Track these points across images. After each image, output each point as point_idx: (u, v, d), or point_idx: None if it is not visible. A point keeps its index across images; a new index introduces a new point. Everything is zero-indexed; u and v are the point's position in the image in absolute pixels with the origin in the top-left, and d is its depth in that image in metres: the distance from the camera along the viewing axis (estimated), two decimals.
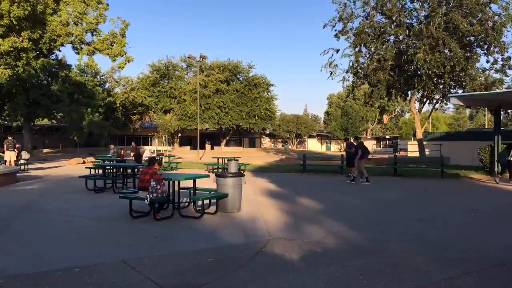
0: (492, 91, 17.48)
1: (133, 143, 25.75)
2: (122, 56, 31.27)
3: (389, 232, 6.24)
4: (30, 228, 6.52)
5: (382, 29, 19.19)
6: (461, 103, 17.20)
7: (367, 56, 20.27)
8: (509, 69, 18.85)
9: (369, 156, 17.85)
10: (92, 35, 30.60)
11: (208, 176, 8.91)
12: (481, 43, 18.54)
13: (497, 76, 19.26)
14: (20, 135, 31.99)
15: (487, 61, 19.12)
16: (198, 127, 35.12)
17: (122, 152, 18.56)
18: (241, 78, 49.92)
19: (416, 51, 17.52)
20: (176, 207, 7.56)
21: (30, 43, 25.80)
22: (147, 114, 47.98)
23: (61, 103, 29.03)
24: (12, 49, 25.03)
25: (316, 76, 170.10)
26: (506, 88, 18.54)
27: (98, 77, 39.44)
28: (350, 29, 20.00)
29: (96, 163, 15.79)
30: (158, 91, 46.63)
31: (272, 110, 50.06)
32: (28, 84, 27.05)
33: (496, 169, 14.57)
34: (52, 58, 30.08)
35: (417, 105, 24.35)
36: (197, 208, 7.76)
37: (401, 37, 18.75)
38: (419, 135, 22.52)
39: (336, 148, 63.76)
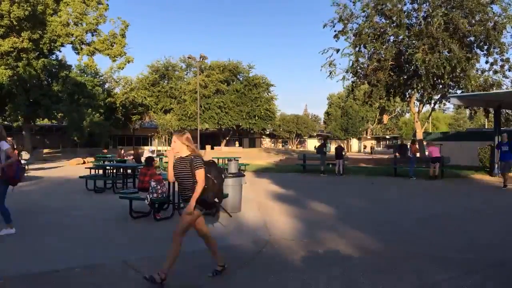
0: (492, 92, 17.49)
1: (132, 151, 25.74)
2: (122, 56, 31.29)
3: (389, 232, 6.24)
4: (30, 228, 6.52)
5: (382, 30, 19.19)
6: (461, 103, 17.22)
7: (367, 56, 20.27)
8: (509, 70, 18.86)
9: (369, 157, 17.86)
10: (92, 36, 30.63)
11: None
12: (481, 44, 18.54)
13: (496, 77, 19.30)
14: (21, 135, 32.00)
15: (486, 62, 19.14)
16: (198, 127, 35.14)
17: (122, 152, 18.57)
18: (241, 78, 49.93)
19: (415, 51, 17.52)
20: (176, 207, 7.56)
21: (31, 43, 25.80)
22: (147, 114, 47.98)
23: (61, 103, 29.05)
24: (12, 49, 25.05)
25: (316, 76, 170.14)
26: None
27: (98, 77, 39.45)
28: (350, 29, 19.99)
29: (96, 163, 15.81)
30: (158, 91, 46.63)
31: (272, 110, 50.07)
32: (29, 85, 27.07)
33: (496, 169, 14.60)
34: (52, 58, 30.10)
35: (417, 105, 24.35)
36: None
37: (400, 37, 18.75)
38: (419, 135, 22.52)
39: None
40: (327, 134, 65.93)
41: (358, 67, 20.62)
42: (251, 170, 18.56)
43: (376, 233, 6.15)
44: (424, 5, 18.63)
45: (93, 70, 35.49)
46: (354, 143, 61.37)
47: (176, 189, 7.54)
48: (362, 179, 14.84)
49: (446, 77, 18.02)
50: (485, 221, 7.32)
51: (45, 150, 36.37)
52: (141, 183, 7.42)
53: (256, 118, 47.89)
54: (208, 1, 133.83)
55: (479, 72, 19.55)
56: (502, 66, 18.91)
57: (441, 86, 20.24)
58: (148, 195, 6.99)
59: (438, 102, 23.56)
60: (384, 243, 5.52)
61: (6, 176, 5.82)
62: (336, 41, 20.42)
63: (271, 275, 4.22)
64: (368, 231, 6.31)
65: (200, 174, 3.89)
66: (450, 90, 20.56)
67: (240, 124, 48.01)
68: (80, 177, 11.74)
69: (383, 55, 19.12)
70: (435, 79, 19.08)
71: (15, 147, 18.02)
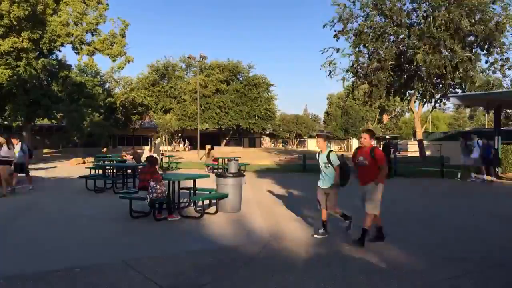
0: (492, 91, 17.50)
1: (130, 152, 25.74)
2: (122, 56, 31.23)
3: (389, 232, 6.23)
4: (30, 228, 6.52)
5: (382, 29, 19.19)
6: (461, 103, 17.22)
7: (367, 56, 20.27)
8: (509, 69, 18.87)
9: None
10: (92, 35, 30.55)
11: (208, 176, 8.91)
12: (481, 43, 18.55)
13: (497, 75, 19.31)
14: (21, 135, 31.98)
15: (487, 62, 19.15)
16: (198, 127, 35.13)
17: (123, 152, 18.59)
18: (241, 78, 49.94)
19: (416, 52, 17.52)
20: (176, 207, 7.56)
21: (30, 43, 25.77)
22: (147, 114, 47.98)
23: (61, 103, 29.03)
24: (12, 49, 25.01)
25: (316, 76, 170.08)
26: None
27: (98, 77, 39.45)
28: (350, 29, 20.00)
29: (95, 163, 15.82)
30: (158, 91, 46.63)
31: (272, 110, 50.07)
32: (29, 84, 27.04)
33: (496, 169, 14.60)
34: (52, 58, 30.06)
35: (417, 105, 24.35)
36: (197, 208, 7.76)
37: (401, 37, 18.75)
38: (419, 135, 22.53)
39: (335, 148, 63.72)
40: (327, 134, 65.94)
41: (358, 67, 20.64)
42: (252, 170, 18.56)
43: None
44: (424, 4, 18.63)
45: (93, 70, 35.48)
46: (354, 143, 61.30)
47: (176, 189, 7.59)
48: None
49: (448, 77, 18.03)
50: (485, 220, 7.32)
51: (45, 150, 36.36)
52: (142, 182, 7.41)
53: (256, 118, 47.89)
54: (208, 1, 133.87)
55: (480, 72, 19.55)
56: (502, 66, 18.92)
57: (441, 85, 20.25)
58: (148, 195, 6.99)
59: (438, 102, 23.57)
60: (384, 243, 5.52)
61: None
62: (336, 40, 20.44)
63: (271, 275, 4.22)
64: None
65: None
66: (450, 90, 20.57)
67: (240, 124, 48.01)
68: (80, 177, 11.74)
69: (383, 55, 19.12)
70: (436, 79, 19.10)
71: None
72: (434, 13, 17.29)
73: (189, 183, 8.17)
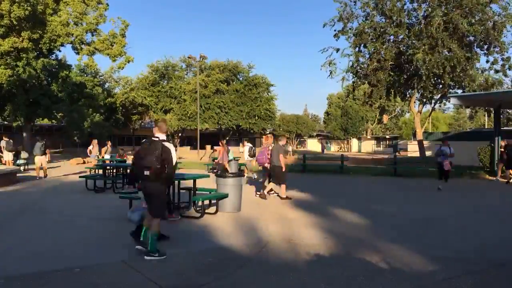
0: (492, 91, 17.50)
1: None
2: (122, 56, 31.23)
3: (389, 232, 6.23)
4: (30, 228, 6.52)
5: (382, 29, 19.19)
6: (461, 103, 17.22)
7: (367, 56, 20.27)
8: (509, 69, 18.86)
9: (370, 157, 17.94)
10: (92, 35, 30.56)
11: (208, 176, 8.90)
12: (481, 43, 18.55)
13: (497, 77, 19.30)
14: (21, 135, 31.98)
15: (487, 61, 19.14)
16: (198, 127, 35.11)
17: (123, 152, 18.58)
18: (241, 78, 49.91)
19: (415, 51, 17.52)
20: (176, 207, 7.55)
21: (30, 43, 25.77)
22: (147, 114, 47.95)
23: (61, 103, 29.02)
24: (12, 49, 25.02)
25: (316, 76, 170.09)
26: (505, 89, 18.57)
27: (98, 77, 39.42)
28: (350, 29, 20.00)
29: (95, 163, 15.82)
30: (158, 91, 46.59)
31: (272, 110, 50.03)
32: (28, 84, 27.03)
33: (496, 169, 14.60)
34: (52, 58, 30.06)
35: (417, 105, 24.35)
36: (197, 209, 7.76)
37: (401, 37, 18.76)
38: (419, 135, 22.53)
39: (336, 148, 63.72)
40: (327, 134, 66.00)
41: (358, 67, 20.64)
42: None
43: (375, 233, 6.15)
44: (424, 4, 18.64)
45: (93, 70, 35.44)
46: (354, 143, 61.34)
47: (176, 189, 7.58)
48: (367, 179, 14.85)
49: (447, 76, 18.03)
50: (485, 220, 7.32)
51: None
52: None
53: (256, 118, 47.86)
54: (208, 1, 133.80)
55: (479, 72, 19.55)
56: (502, 65, 18.91)
57: (441, 86, 20.25)
58: None
59: (438, 102, 23.56)
60: (384, 243, 5.52)
61: None
62: (336, 40, 20.46)
63: (271, 275, 4.22)
64: (368, 231, 6.31)
65: None
66: (450, 90, 20.57)
67: (240, 124, 48.00)
68: (80, 177, 11.74)
69: (383, 55, 19.13)
70: (435, 78, 19.10)
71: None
72: (434, 13, 17.29)
73: (189, 183, 8.17)
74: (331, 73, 20.89)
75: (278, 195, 10.02)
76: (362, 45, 19.97)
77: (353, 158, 27.99)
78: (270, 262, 4.67)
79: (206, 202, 7.91)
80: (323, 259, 4.83)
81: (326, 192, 11.29)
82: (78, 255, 4.96)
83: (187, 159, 27.01)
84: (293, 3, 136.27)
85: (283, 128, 60.64)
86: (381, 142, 58.75)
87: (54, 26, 26.83)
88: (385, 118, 62.23)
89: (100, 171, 13.44)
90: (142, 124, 49.22)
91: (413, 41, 18.36)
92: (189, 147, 49.01)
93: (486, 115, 32.37)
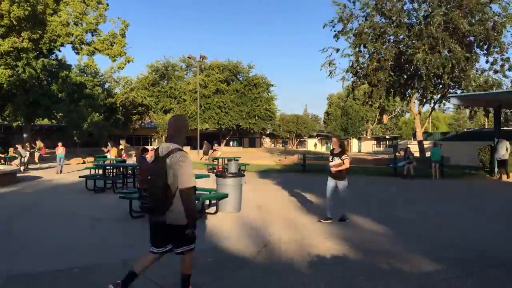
0: (492, 91, 17.49)
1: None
2: (122, 56, 31.22)
3: (389, 232, 6.23)
4: (30, 228, 6.52)
5: (382, 30, 19.19)
6: (461, 103, 17.21)
7: (367, 56, 20.27)
8: (509, 70, 18.86)
9: (369, 157, 18.19)
10: (92, 35, 30.55)
11: (208, 176, 8.90)
12: (481, 43, 18.54)
13: (496, 77, 19.30)
14: (21, 135, 31.97)
15: (487, 61, 19.13)
16: (198, 127, 35.11)
17: (123, 152, 18.60)
18: (241, 78, 49.95)
19: (415, 51, 17.52)
20: None
21: (30, 43, 25.77)
22: (147, 114, 47.98)
23: (61, 103, 29.02)
24: (12, 49, 25.01)
25: (316, 76, 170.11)
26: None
27: (98, 77, 39.41)
28: (350, 29, 20.00)
29: (95, 163, 15.83)
30: (158, 91, 46.62)
31: (272, 110, 50.08)
32: (28, 84, 27.03)
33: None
34: (52, 58, 30.05)
35: (416, 105, 24.35)
36: (197, 209, 7.76)
37: (401, 37, 18.75)
38: (419, 135, 22.53)
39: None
40: (327, 134, 65.98)
41: (358, 67, 20.64)
42: (252, 171, 18.55)
43: (375, 233, 6.15)
44: (424, 4, 18.63)
45: (93, 70, 35.44)
46: (354, 143, 61.33)
47: None
48: (367, 178, 14.85)
49: (446, 77, 18.03)
50: (485, 220, 7.32)
51: (45, 150, 36.29)
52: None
53: (256, 118, 47.89)
54: (208, 1, 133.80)
55: (479, 72, 19.54)
56: (502, 66, 18.91)
57: (441, 86, 20.25)
58: None
59: (438, 102, 23.55)
60: (384, 243, 5.52)
61: None
62: (336, 41, 20.44)
63: (271, 275, 4.22)
64: (367, 231, 6.31)
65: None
66: (450, 90, 20.56)
67: (240, 124, 48.02)
68: (80, 176, 11.74)
69: (383, 55, 19.12)
70: (435, 79, 19.10)
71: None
72: (434, 13, 17.28)
73: None
74: (330, 73, 20.89)
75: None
76: (362, 45, 19.95)
77: (354, 158, 28.00)
78: (270, 262, 4.67)
79: (206, 202, 7.91)
80: (323, 259, 4.83)
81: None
82: (78, 255, 4.96)
83: None
84: (293, 3, 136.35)
85: (283, 128, 60.63)
86: (381, 142, 58.75)
87: (54, 26, 26.82)
88: (385, 118, 62.21)
89: (100, 171, 13.44)
90: (142, 124, 49.22)
91: (413, 41, 18.36)
92: (189, 147, 48.99)
93: (486, 118, 32.38)
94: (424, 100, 22.51)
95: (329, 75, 21.02)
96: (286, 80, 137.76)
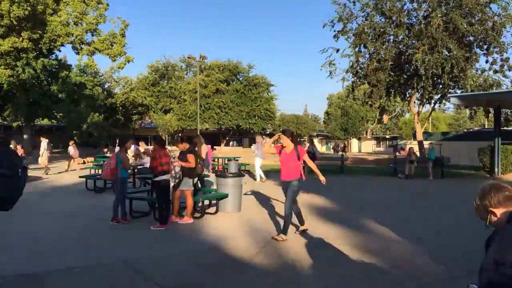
0: (492, 91, 17.48)
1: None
2: (122, 56, 31.24)
3: (389, 232, 6.23)
4: (30, 228, 6.52)
5: (382, 29, 19.17)
6: (461, 103, 17.20)
7: (367, 56, 20.25)
8: (509, 70, 18.85)
9: (370, 157, 18.22)
10: (92, 35, 30.56)
11: (208, 176, 8.90)
12: (480, 43, 18.53)
13: (496, 77, 19.27)
14: (21, 135, 31.99)
15: (486, 61, 19.12)
16: (198, 127, 35.14)
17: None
18: (241, 78, 50.00)
19: (415, 52, 17.51)
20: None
21: (30, 43, 25.78)
22: (147, 114, 48.02)
23: (61, 103, 29.05)
24: (12, 49, 25.03)
25: (316, 76, 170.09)
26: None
27: (98, 77, 39.47)
28: (350, 29, 19.97)
29: (96, 163, 15.83)
30: (158, 91, 46.66)
31: (272, 110, 50.10)
32: (28, 84, 27.05)
33: (496, 169, 14.62)
34: (52, 58, 30.08)
35: (416, 105, 24.33)
36: (197, 209, 7.76)
37: (401, 37, 18.74)
38: (419, 135, 22.52)
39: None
40: (327, 134, 65.99)
41: (358, 67, 20.61)
42: (252, 170, 18.52)
43: (375, 233, 6.15)
44: (424, 4, 18.62)
45: (93, 70, 35.49)
46: (354, 143, 61.35)
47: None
48: (366, 178, 14.86)
49: (446, 77, 18.03)
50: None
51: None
52: (160, 166, 6.62)
53: (256, 118, 47.92)
54: (208, 1, 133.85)
55: (479, 72, 19.52)
56: (501, 66, 18.89)
57: (441, 86, 20.24)
58: (172, 179, 6.55)
59: (438, 102, 23.53)
60: (384, 243, 5.52)
61: None
62: (336, 41, 20.40)
63: (270, 275, 4.22)
64: (368, 231, 6.31)
65: None
66: (450, 90, 20.55)
67: (240, 124, 48.04)
68: (80, 177, 11.74)
69: (383, 55, 19.11)
70: (435, 78, 19.09)
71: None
72: (433, 13, 17.27)
73: None
74: (331, 73, 20.86)
75: None
76: (362, 45, 19.93)
77: (354, 158, 27.99)
78: (270, 262, 4.67)
79: (206, 202, 7.91)
80: (323, 259, 4.83)
81: (327, 192, 11.28)
82: (78, 255, 4.96)
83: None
84: (293, 2, 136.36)
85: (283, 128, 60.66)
86: (381, 142, 58.75)
87: (54, 26, 26.83)
88: (385, 118, 62.18)
89: (101, 171, 13.43)
90: (142, 124, 49.27)
91: (413, 41, 18.34)
92: None
93: (486, 118, 32.35)
94: (424, 100, 22.49)
95: (329, 75, 20.99)
96: (286, 80, 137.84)
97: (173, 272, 4.30)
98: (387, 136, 60.83)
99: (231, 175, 7.92)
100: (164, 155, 6.69)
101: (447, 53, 17.73)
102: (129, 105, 43.71)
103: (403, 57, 19.47)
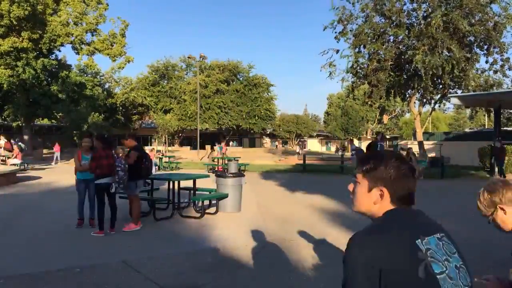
0: (492, 92, 17.49)
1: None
2: (122, 56, 31.27)
3: None
4: (30, 228, 6.51)
5: (381, 30, 19.17)
6: (461, 103, 17.21)
7: (367, 56, 20.25)
8: (509, 69, 18.86)
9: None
10: (92, 35, 30.59)
11: (208, 176, 8.90)
12: (481, 44, 18.53)
13: (496, 78, 19.28)
14: (21, 135, 31.99)
15: (486, 62, 19.12)
16: (198, 127, 35.13)
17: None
18: (241, 78, 49.96)
19: (415, 52, 17.51)
20: (176, 207, 7.55)
21: (30, 43, 25.79)
22: (147, 114, 48.00)
23: (61, 103, 29.06)
24: (12, 49, 25.04)
25: (316, 76, 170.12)
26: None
27: (98, 77, 39.45)
28: (350, 30, 19.98)
29: None
30: (158, 91, 46.63)
31: (272, 110, 50.07)
32: (28, 84, 27.06)
33: (496, 169, 14.61)
34: (52, 58, 30.09)
35: (417, 105, 24.32)
36: (197, 209, 7.76)
37: (400, 37, 18.73)
38: (419, 135, 22.52)
39: (335, 148, 63.69)
40: (327, 134, 66.01)
41: (358, 68, 20.61)
42: (252, 170, 18.55)
43: None
44: (424, 4, 18.61)
45: (93, 70, 35.49)
46: (355, 143, 61.38)
47: (176, 189, 7.57)
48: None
49: (446, 77, 18.03)
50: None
51: (45, 150, 36.34)
52: (99, 169, 6.01)
53: (256, 118, 47.89)
54: (208, 0, 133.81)
55: (479, 72, 19.53)
56: (502, 66, 18.90)
57: (441, 86, 20.24)
58: (114, 184, 6.14)
59: (438, 102, 23.54)
60: None
61: None
62: (337, 42, 20.42)
63: (271, 275, 4.22)
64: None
65: None
66: (450, 90, 20.56)
67: (240, 124, 48.02)
68: None
69: (383, 56, 19.10)
70: (435, 79, 19.08)
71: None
72: (433, 14, 17.26)
73: (189, 183, 8.16)
74: (330, 74, 20.86)
75: None
76: (362, 45, 19.93)
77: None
78: (270, 262, 4.66)
79: (206, 202, 7.91)
80: (323, 259, 4.82)
81: (327, 192, 11.28)
82: (78, 255, 4.96)
83: (187, 159, 27.00)
84: (293, 3, 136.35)
85: (283, 128, 60.63)
86: None
87: (54, 26, 26.84)
88: (385, 118, 62.22)
89: None
90: (142, 124, 49.26)
91: (413, 42, 18.34)
92: (189, 147, 49.00)
93: (486, 115, 32.31)
94: (425, 100, 22.49)
95: (329, 76, 20.99)
96: (286, 80, 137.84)
97: (172, 272, 4.30)
98: (388, 136, 60.83)
99: (231, 175, 7.92)
100: (106, 156, 6.08)
101: (447, 53, 17.73)
102: (129, 105, 43.69)
103: (403, 57, 19.47)
